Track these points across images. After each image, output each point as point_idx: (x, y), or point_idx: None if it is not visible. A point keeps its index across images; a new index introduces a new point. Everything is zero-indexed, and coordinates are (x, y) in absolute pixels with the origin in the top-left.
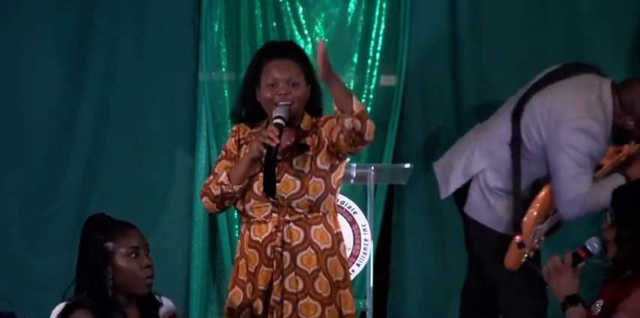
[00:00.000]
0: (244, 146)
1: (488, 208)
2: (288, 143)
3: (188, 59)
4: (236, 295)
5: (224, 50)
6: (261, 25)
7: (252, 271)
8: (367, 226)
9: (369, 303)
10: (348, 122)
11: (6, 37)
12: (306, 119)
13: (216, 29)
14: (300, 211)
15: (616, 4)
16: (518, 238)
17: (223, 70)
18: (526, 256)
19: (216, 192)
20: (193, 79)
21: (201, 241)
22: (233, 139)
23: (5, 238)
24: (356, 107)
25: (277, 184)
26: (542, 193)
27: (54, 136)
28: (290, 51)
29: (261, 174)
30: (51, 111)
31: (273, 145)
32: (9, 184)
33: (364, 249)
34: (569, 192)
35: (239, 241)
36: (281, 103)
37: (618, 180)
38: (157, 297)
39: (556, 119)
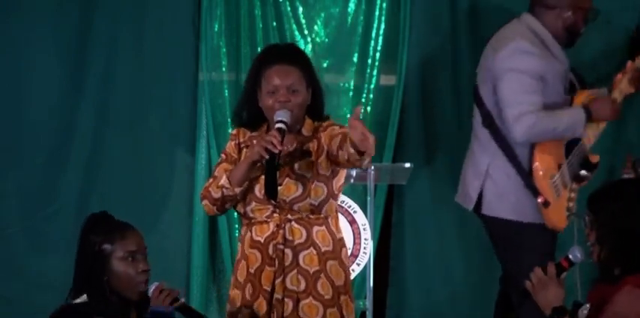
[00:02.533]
0: (245, 150)
1: (501, 199)
2: (289, 148)
3: (188, 59)
4: (235, 298)
5: (224, 50)
6: (261, 25)
7: (253, 271)
8: (367, 226)
9: (369, 303)
10: (366, 163)
11: (6, 37)
12: (307, 124)
13: (216, 29)
14: (300, 212)
15: (612, 5)
16: (539, 199)
17: (223, 70)
18: (567, 208)
19: (217, 195)
20: (193, 79)
21: (201, 241)
22: (233, 143)
23: (5, 238)
24: (372, 150)
25: (279, 188)
26: (536, 149)
27: (54, 136)
28: (291, 56)
29: (263, 177)
30: (51, 111)
31: (276, 151)
32: (9, 184)
33: (364, 249)
34: (513, 111)
35: (239, 244)
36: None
37: (579, 113)
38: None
39: (494, 56)
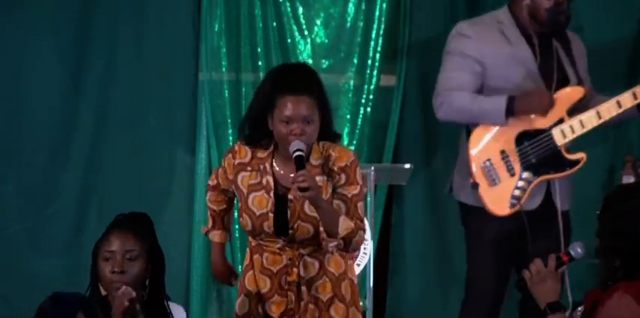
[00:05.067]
0: (242, 173)
1: (461, 182)
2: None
3: (188, 59)
4: (243, 305)
5: (224, 50)
6: (261, 25)
7: (263, 293)
8: (367, 226)
9: (369, 303)
10: (331, 247)
11: (6, 37)
12: (314, 151)
13: (216, 29)
14: (311, 245)
15: (616, 4)
16: (471, 180)
17: (223, 70)
18: (514, 197)
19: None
20: (193, 79)
21: (201, 241)
22: (233, 162)
23: (5, 238)
24: (342, 230)
25: (290, 231)
26: (474, 131)
27: (54, 136)
28: (305, 82)
29: (271, 214)
30: (51, 111)
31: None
32: (9, 184)
33: (364, 249)
34: (437, 88)
35: (248, 249)
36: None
37: (499, 101)
38: (168, 304)
39: None
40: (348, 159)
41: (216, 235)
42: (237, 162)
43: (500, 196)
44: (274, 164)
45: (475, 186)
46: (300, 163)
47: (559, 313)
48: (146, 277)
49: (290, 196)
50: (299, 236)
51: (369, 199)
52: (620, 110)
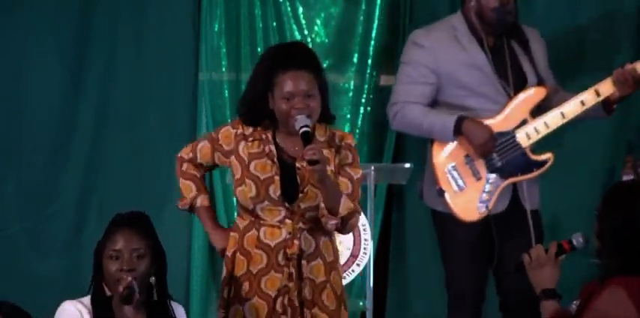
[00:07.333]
0: (243, 143)
1: (428, 188)
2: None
3: (188, 59)
4: (230, 288)
5: (224, 50)
6: (261, 25)
7: (255, 272)
8: (367, 226)
9: (369, 303)
10: (331, 225)
11: (6, 37)
12: (319, 128)
13: (216, 29)
14: (310, 221)
15: (615, 4)
16: (437, 187)
17: (223, 70)
18: (482, 201)
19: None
20: (193, 79)
21: (201, 241)
22: (233, 132)
23: (5, 238)
24: (343, 209)
25: (300, 196)
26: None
27: (54, 136)
28: (303, 60)
29: (277, 177)
30: (51, 111)
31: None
32: (9, 184)
33: (364, 249)
34: (392, 98)
35: (235, 233)
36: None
37: (449, 122)
38: (172, 303)
39: None
40: (352, 140)
41: (205, 199)
42: (238, 132)
43: (467, 202)
44: (277, 138)
45: (441, 193)
46: (307, 138)
47: (553, 300)
48: (151, 275)
49: (297, 165)
50: (306, 203)
51: (368, 199)
52: (584, 108)
